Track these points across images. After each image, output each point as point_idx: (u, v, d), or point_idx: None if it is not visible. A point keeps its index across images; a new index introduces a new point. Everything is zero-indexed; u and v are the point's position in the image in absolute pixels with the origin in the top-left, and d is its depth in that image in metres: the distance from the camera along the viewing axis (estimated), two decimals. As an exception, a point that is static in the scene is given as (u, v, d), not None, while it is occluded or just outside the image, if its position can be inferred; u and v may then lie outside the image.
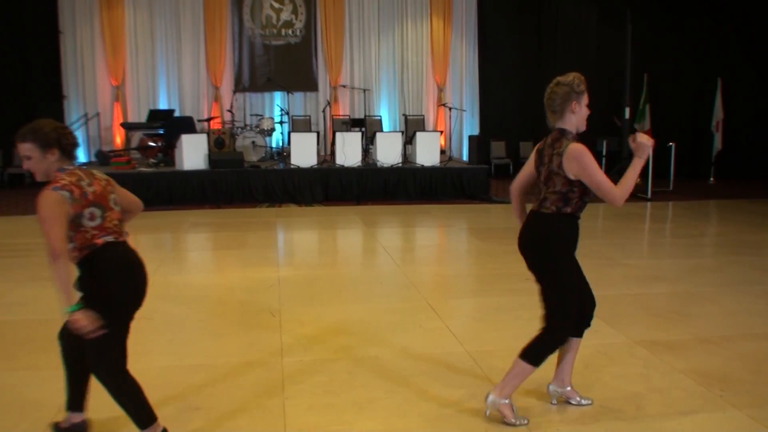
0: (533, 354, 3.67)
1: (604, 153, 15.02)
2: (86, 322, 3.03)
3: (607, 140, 15.09)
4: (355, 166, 13.26)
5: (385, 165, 13.29)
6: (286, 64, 16.42)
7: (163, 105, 16.04)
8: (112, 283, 3.23)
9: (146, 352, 4.74)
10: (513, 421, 3.70)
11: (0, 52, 15.64)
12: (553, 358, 3.80)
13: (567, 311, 3.65)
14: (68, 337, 3.43)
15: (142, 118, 15.31)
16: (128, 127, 15.04)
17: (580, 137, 3.66)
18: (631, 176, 3.53)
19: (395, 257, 8.16)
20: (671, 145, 14.25)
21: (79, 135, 15.84)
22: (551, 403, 3.97)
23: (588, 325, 3.91)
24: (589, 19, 16.91)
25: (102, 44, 15.95)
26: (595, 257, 7.99)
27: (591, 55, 16.76)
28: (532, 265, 3.74)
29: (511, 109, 16.94)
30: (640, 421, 3.77)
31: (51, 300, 6.30)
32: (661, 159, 14.04)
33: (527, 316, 5.66)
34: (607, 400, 4.01)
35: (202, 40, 16.22)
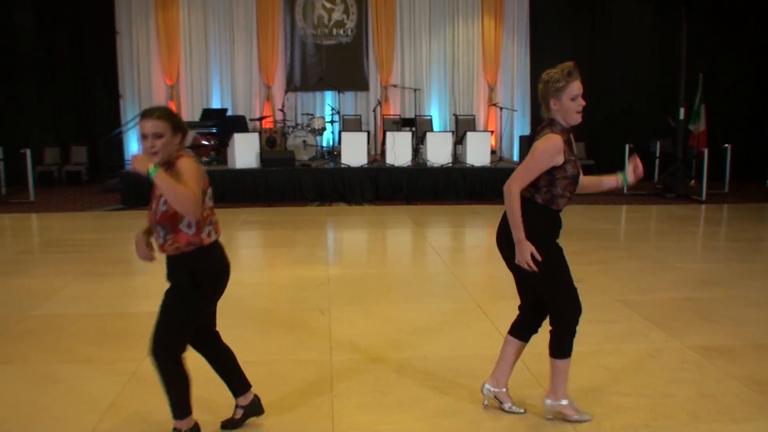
0: (560, 349, 3.64)
1: (657, 154, 14.75)
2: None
3: (661, 141, 14.82)
4: (405, 165, 13.26)
5: (435, 165, 13.27)
6: (337, 64, 16.49)
7: (216, 104, 16.25)
8: (210, 283, 3.33)
9: (197, 348, 4.82)
10: (577, 417, 3.71)
11: (59, 53, 16.03)
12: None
13: (563, 296, 3.65)
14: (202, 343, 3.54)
15: (196, 117, 15.54)
16: (181, 126, 15.26)
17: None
18: None
19: (444, 257, 8.14)
20: (727, 147, 13.96)
21: (135, 133, 16.16)
22: (483, 404, 3.93)
23: (535, 331, 3.85)
24: (644, 17, 16.63)
25: (157, 44, 16.23)
26: (647, 260, 7.87)
27: (645, 54, 16.49)
28: (507, 257, 3.67)
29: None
30: (692, 428, 3.70)
31: (105, 295, 6.46)
32: (716, 161, 13.78)
33: (577, 319, 5.61)
34: (659, 405, 3.95)
35: (254, 39, 16.39)
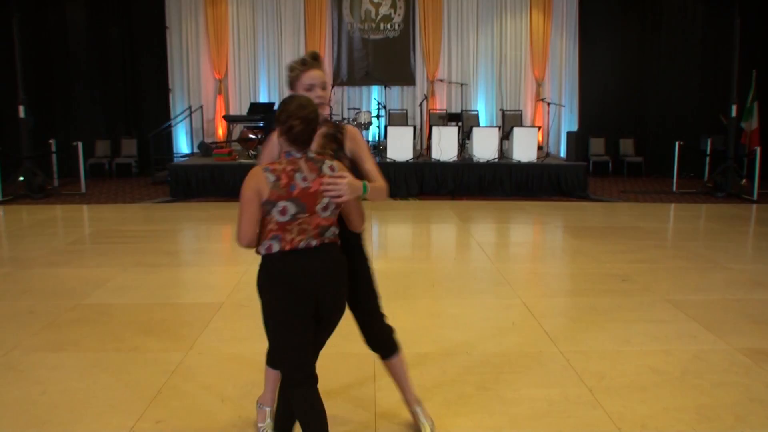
0: None
1: (708, 152, 14.47)
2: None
3: (712, 138, 14.53)
4: (451, 160, 13.22)
5: (481, 160, 13.21)
6: (383, 59, 16.51)
7: (263, 98, 16.38)
8: (266, 294, 3.02)
9: (243, 339, 4.88)
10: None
11: (110, 48, 16.32)
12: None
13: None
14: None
15: (244, 110, 15.71)
16: (230, 119, 15.46)
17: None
18: None
19: (489, 253, 8.11)
20: (781, 145, 13.66)
21: (183, 127, 16.40)
22: None
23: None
24: (696, 12, 16.30)
25: (206, 39, 16.43)
26: (696, 260, 7.74)
27: (697, 50, 16.18)
28: None
29: (611, 105, 16.55)
30: (738, 431, 3.64)
31: (153, 285, 6.57)
32: (769, 160, 13.50)
33: (624, 318, 5.55)
34: (704, 408, 3.89)
35: (302, 34, 16.48)
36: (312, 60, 3.23)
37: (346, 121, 14.76)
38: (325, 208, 2.94)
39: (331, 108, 15.27)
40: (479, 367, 4.48)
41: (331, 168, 2.97)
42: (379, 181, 3.18)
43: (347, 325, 5.38)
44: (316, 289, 3.00)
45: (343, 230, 3.18)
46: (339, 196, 2.86)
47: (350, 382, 4.25)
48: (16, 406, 3.87)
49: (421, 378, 4.29)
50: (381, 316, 3.54)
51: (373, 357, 4.63)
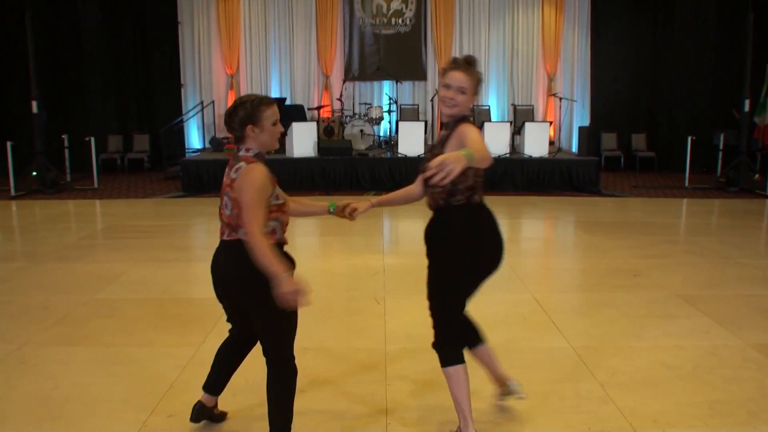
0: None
1: (721, 147, 14.37)
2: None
3: (725, 133, 14.43)
4: (462, 155, 13.18)
5: (492, 155, 13.15)
6: (395, 53, 16.49)
7: (275, 93, 16.39)
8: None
9: (254, 334, 4.90)
10: None
11: (122, 43, 16.39)
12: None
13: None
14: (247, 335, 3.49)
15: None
16: (241, 114, 15.46)
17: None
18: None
19: (500, 248, 8.08)
20: (793, 140, 13.57)
21: (195, 122, 16.44)
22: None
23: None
24: (709, 7, 16.19)
25: (218, 34, 16.46)
26: (709, 255, 7.70)
27: (709, 45, 16.06)
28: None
29: (623, 100, 16.47)
30: (751, 427, 3.62)
31: (166, 280, 6.60)
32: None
33: (636, 314, 5.53)
34: (717, 403, 3.87)
35: (313, 29, 16.48)
36: (463, 63, 3.24)
37: (357, 116, 14.75)
38: (225, 206, 3.13)
39: (342, 103, 15.26)
40: (490, 362, 4.48)
41: (238, 169, 3.08)
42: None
43: (358, 320, 5.40)
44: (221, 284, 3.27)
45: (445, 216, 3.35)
46: (448, 175, 2.70)
47: (361, 377, 4.25)
48: (29, 400, 3.90)
49: (432, 373, 4.29)
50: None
51: (384, 351, 4.65)
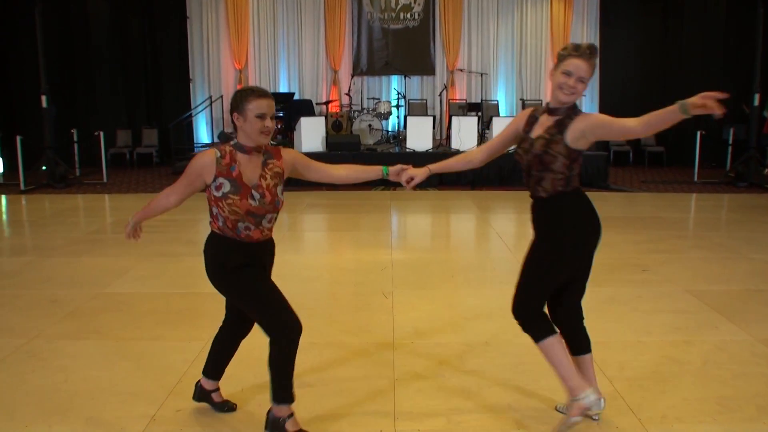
0: None
1: (730, 141, 14.31)
2: None
3: (734, 128, 14.37)
4: (471, 150, 13.16)
5: (500, 150, 13.13)
6: (403, 48, 16.48)
7: (283, 88, 16.42)
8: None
9: (263, 328, 4.91)
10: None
11: (131, 38, 16.42)
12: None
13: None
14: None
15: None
16: (248, 109, 15.48)
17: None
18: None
19: (509, 243, 8.08)
20: (803, 134, 13.50)
21: (203, 117, 16.46)
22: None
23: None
24: (719, 0, 16.13)
25: (226, 29, 16.48)
26: (718, 250, 7.67)
27: (719, 39, 16.00)
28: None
29: (631, 94, 16.42)
30: (760, 423, 3.60)
31: (173, 274, 6.61)
32: (793, 149, 13.35)
33: (644, 309, 5.51)
34: (725, 399, 3.86)
35: (322, 24, 16.49)
36: (586, 51, 3.19)
37: (365, 111, 14.74)
38: None
39: (350, 98, 15.24)
40: (498, 358, 4.47)
41: None
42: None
43: (366, 315, 5.40)
44: None
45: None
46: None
47: (369, 372, 4.26)
48: (38, 393, 3.92)
49: (441, 368, 4.30)
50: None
51: (392, 346, 4.65)
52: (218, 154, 3.20)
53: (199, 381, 3.70)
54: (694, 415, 3.68)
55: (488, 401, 3.84)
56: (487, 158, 3.72)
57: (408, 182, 3.71)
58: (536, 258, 3.44)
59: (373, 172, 3.68)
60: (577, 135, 3.24)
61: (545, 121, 3.36)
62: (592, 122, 3.26)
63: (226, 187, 3.18)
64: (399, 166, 3.70)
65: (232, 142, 3.26)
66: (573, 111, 3.30)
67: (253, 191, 3.21)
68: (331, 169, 3.63)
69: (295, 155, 3.52)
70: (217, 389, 3.70)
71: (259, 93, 3.17)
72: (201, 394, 3.69)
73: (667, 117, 3.03)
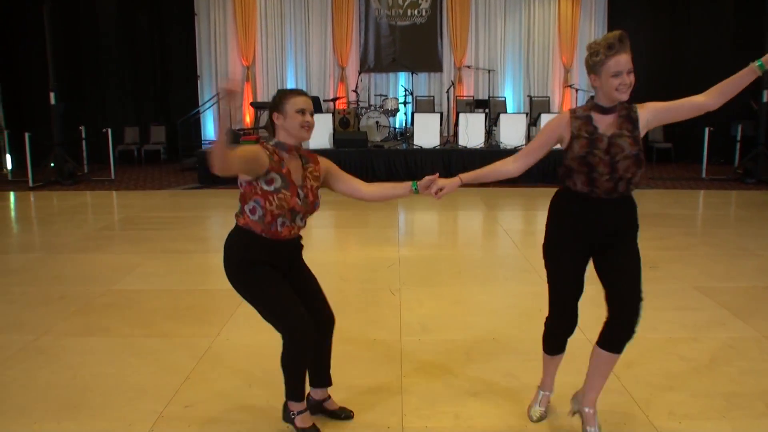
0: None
1: (738, 138, 14.25)
2: None
3: (742, 124, 14.31)
4: (478, 147, 13.17)
5: (508, 147, 13.14)
6: (411, 45, 16.46)
7: (290, 85, 16.41)
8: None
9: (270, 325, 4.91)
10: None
11: (139, 35, 16.46)
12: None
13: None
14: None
15: (271, 97, 15.73)
16: (257, 106, 15.52)
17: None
18: None
19: (516, 240, 8.08)
20: (815, 131, 13.43)
21: (211, 114, 16.49)
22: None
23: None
24: (728, -4, 16.07)
25: (234, 26, 16.49)
26: (726, 247, 7.65)
27: (727, 35, 15.91)
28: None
29: (639, 90, 15.75)
30: (769, 419, 3.61)
31: (181, 271, 6.63)
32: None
33: (652, 305, 5.49)
34: (734, 396, 3.85)
35: (329, 21, 16.48)
36: (619, 43, 3.03)
37: (372, 108, 14.74)
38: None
39: (358, 94, 15.24)
40: (505, 354, 4.48)
41: None
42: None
43: (373, 312, 5.41)
44: None
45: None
46: None
47: (377, 369, 4.26)
48: (48, 390, 3.94)
49: (448, 365, 4.30)
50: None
51: (400, 343, 4.65)
52: (267, 151, 3.21)
53: (308, 394, 3.57)
54: (702, 411, 3.67)
55: (496, 397, 3.84)
56: (524, 166, 3.49)
57: (437, 193, 3.67)
58: (638, 256, 3.46)
59: (402, 189, 3.71)
60: (644, 125, 3.20)
61: (609, 120, 3.22)
62: (655, 109, 3.21)
63: (278, 182, 3.19)
64: (427, 179, 3.65)
65: (272, 142, 3.29)
66: (629, 104, 3.22)
67: (299, 190, 3.28)
68: (360, 184, 3.68)
69: (330, 164, 3.58)
70: (329, 397, 3.65)
71: (297, 91, 3.28)
72: (314, 407, 3.59)
73: (743, 80, 3.02)
